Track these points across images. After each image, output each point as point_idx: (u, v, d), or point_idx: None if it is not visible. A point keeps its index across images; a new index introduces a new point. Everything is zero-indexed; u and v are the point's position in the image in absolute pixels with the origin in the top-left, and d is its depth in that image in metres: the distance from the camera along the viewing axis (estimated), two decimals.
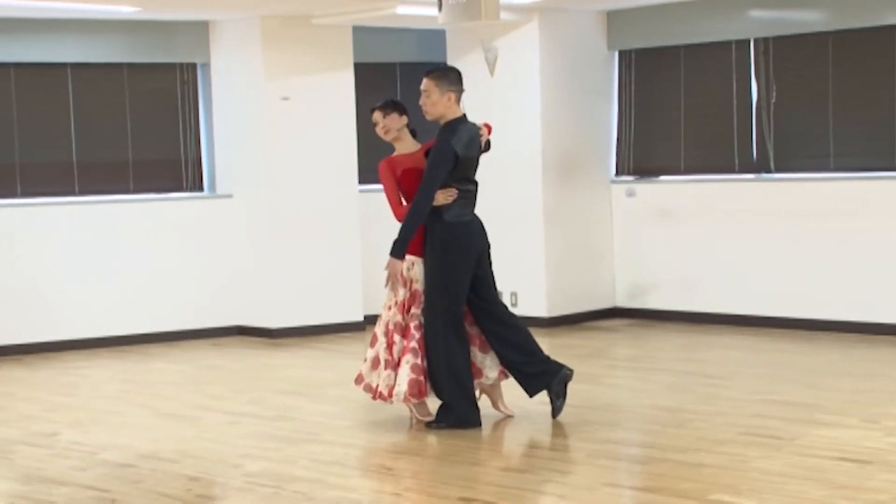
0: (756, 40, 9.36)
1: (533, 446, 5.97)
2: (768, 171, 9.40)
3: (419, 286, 6.31)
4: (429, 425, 6.29)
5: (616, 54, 10.12)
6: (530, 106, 9.64)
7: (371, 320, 10.01)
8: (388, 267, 6.28)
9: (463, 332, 6.28)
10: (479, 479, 5.46)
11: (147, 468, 5.66)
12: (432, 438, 6.13)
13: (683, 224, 9.77)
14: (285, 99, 9.58)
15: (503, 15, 8.85)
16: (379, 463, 5.72)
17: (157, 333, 9.58)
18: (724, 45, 9.50)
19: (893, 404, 6.52)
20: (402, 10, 8.80)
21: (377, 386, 6.29)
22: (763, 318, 9.27)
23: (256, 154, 9.66)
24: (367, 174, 10.11)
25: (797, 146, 9.29)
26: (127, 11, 8.99)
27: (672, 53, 9.80)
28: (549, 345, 9.11)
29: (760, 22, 9.32)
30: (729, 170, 9.58)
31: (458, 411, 6.24)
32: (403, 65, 10.40)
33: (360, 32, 9.89)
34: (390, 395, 6.23)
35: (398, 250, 6.23)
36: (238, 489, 5.27)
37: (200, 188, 9.97)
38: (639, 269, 10.00)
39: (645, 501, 4.90)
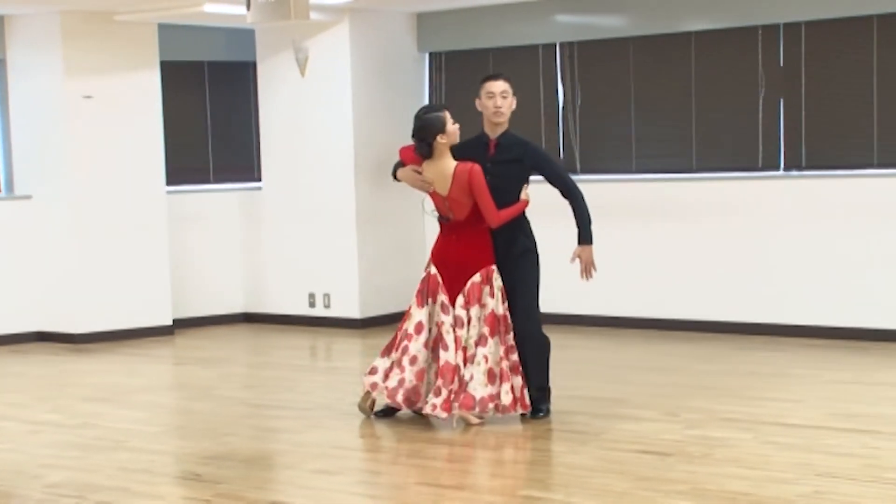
0: (562, 44, 9.58)
1: (344, 448, 5.96)
2: (574, 172, 9.61)
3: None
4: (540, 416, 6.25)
5: (426, 56, 10.20)
6: (342, 106, 9.63)
7: (180, 324, 9.86)
8: (583, 255, 6.36)
9: None
10: (291, 483, 5.42)
11: None
12: (240, 443, 6.05)
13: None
14: (88, 98, 9.30)
15: (313, 15, 8.81)
16: (188, 469, 5.60)
17: None
18: (532, 49, 9.69)
19: (693, 397, 6.77)
20: (209, 7, 8.65)
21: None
22: (568, 316, 9.48)
23: (57, 154, 9.34)
24: (174, 175, 9.93)
25: (601, 148, 9.55)
26: None
27: (481, 56, 9.93)
28: (363, 346, 9.11)
29: (566, 26, 9.54)
30: None
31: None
32: (211, 63, 10.23)
33: (166, 30, 9.68)
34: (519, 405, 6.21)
35: (590, 236, 6.40)
36: (38, 500, 5.09)
37: None
38: None
39: (456, 499, 4.95)
